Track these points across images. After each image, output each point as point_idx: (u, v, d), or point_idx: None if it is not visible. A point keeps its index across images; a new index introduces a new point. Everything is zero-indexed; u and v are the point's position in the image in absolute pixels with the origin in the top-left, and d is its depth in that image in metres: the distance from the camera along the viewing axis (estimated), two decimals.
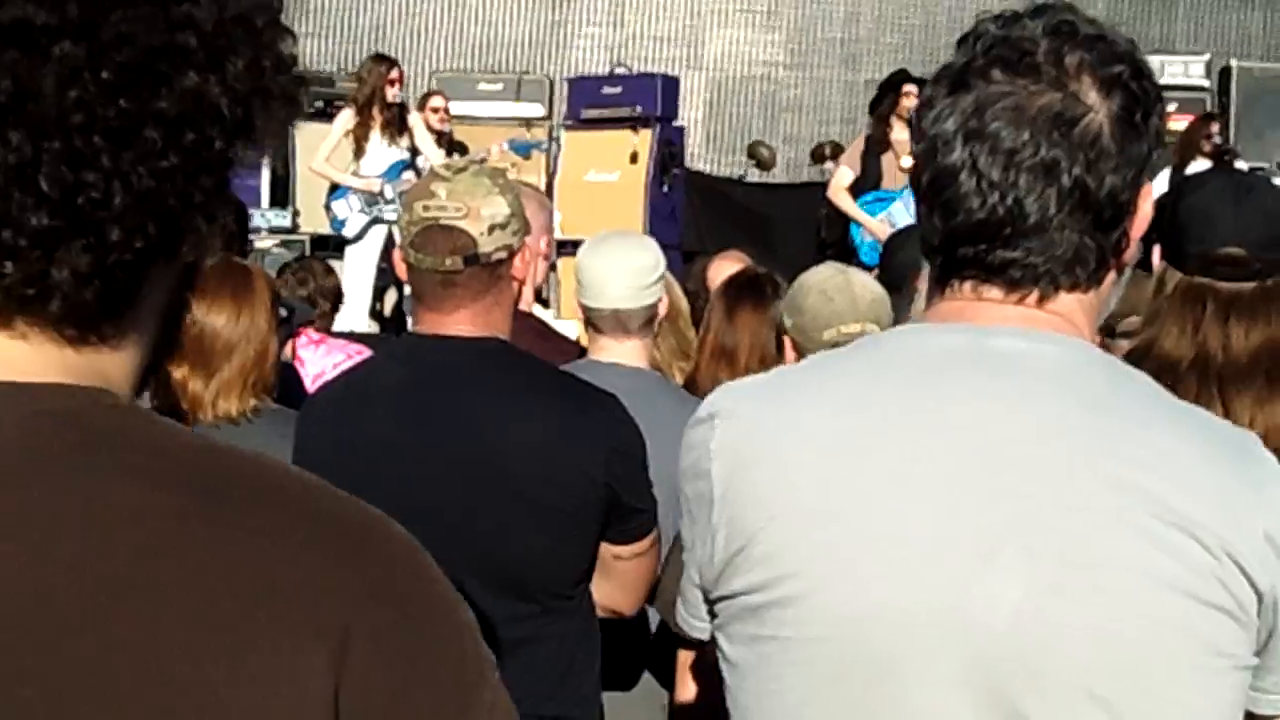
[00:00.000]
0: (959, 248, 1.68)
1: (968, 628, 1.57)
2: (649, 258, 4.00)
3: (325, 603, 1.01)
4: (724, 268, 5.67)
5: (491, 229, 3.02)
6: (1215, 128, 11.19)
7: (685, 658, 3.13)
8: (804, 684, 1.65)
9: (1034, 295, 1.67)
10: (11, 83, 0.99)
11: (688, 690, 3.17)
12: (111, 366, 1.08)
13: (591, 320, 3.95)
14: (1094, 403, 1.62)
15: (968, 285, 1.69)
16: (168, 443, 1.06)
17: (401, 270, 3.12)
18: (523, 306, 3.97)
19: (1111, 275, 1.70)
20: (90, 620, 0.98)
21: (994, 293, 1.68)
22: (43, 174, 1.00)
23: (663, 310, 4.01)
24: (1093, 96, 1.64)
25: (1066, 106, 1.63)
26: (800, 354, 3.53)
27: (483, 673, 1.08)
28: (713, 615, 1.76)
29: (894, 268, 4.67)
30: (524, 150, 11.92)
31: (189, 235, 1.08)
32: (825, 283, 3.55)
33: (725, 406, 1.74)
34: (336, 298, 6.87)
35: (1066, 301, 1.68)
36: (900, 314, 4.11)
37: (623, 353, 3.91)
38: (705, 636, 1.81)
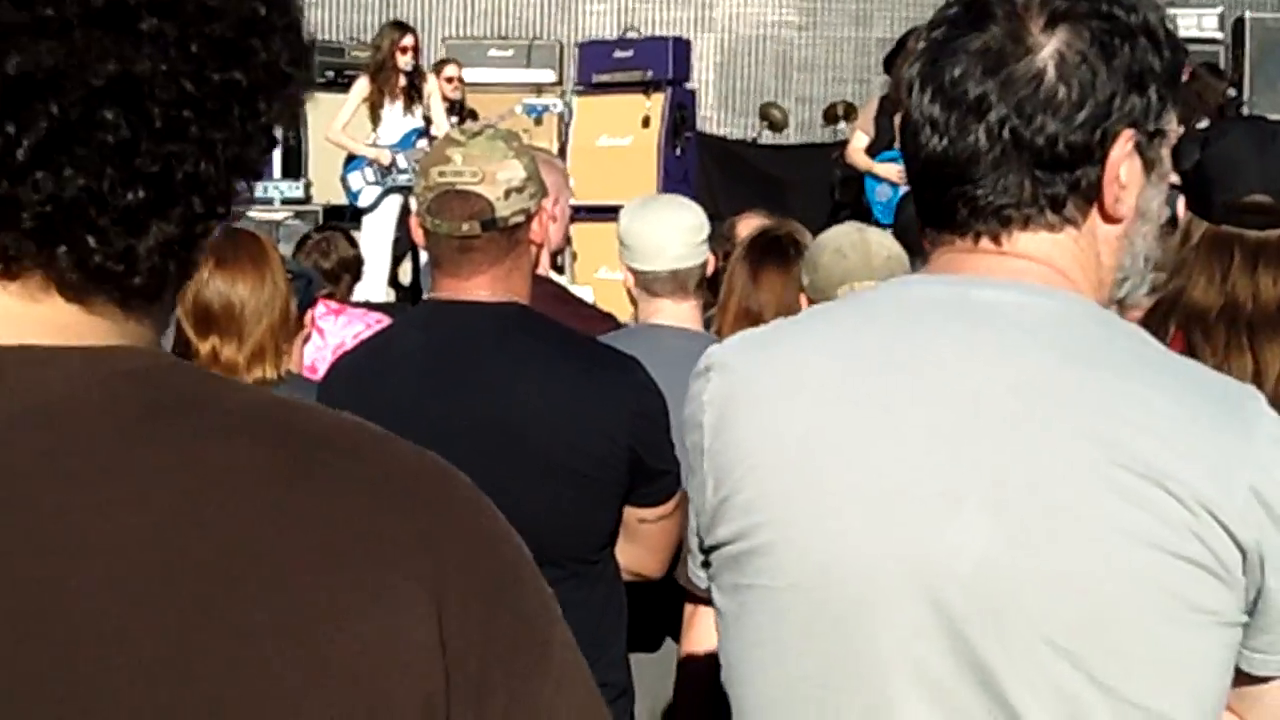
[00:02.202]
0: (921, 192, 1.68)
1: (933, 576, 1.55)
2: (698, 216, 4.06)
3: (418, 547, 1.04)
4: (751, 225, 5.67)
5: (508, 193, 3.01)
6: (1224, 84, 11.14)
7: (690, 612, 3.14)
8: (780, 633, 1.64)
9: (990, 234, 1.64)
10: (116, 64, 1.01)
11: (691, 644, 3.18)
12: (154, 333, 1.11)
13: (646, 284, 3.96)
14: (1075, 355, 1.59)
15: (932, 231, 1.69)
16: (240, 398, 1.08)
17: (419, 236, 3.11)
18: (540, 271, 3.96)
19: (1096, 222, 1.65)
20: (226, 582, 1.00)
21: (952, 237, 1.66)
22: (141, 151, 1.02)
23: (709, 270, 4.03)
24: (1036, 35, 1.61)
25: (1004, 44, 1.61)
26: None
27: (552, 609, 1.12)
28: (705, 566, 1.76)
29: (905, 224, 4.68)
30: (537, 113, 11.89)
31: (232, 204, 1.12)
32: (840, 239, 3.56)
33: (720, 359, 1.74)
34: (358, 269, 6.88)
35: (1037, 243, 1.64)
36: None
37: (680, 314, 3.95)
38: (705, 587, 1.80)
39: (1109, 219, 1.65)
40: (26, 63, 0.99)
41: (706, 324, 4.84)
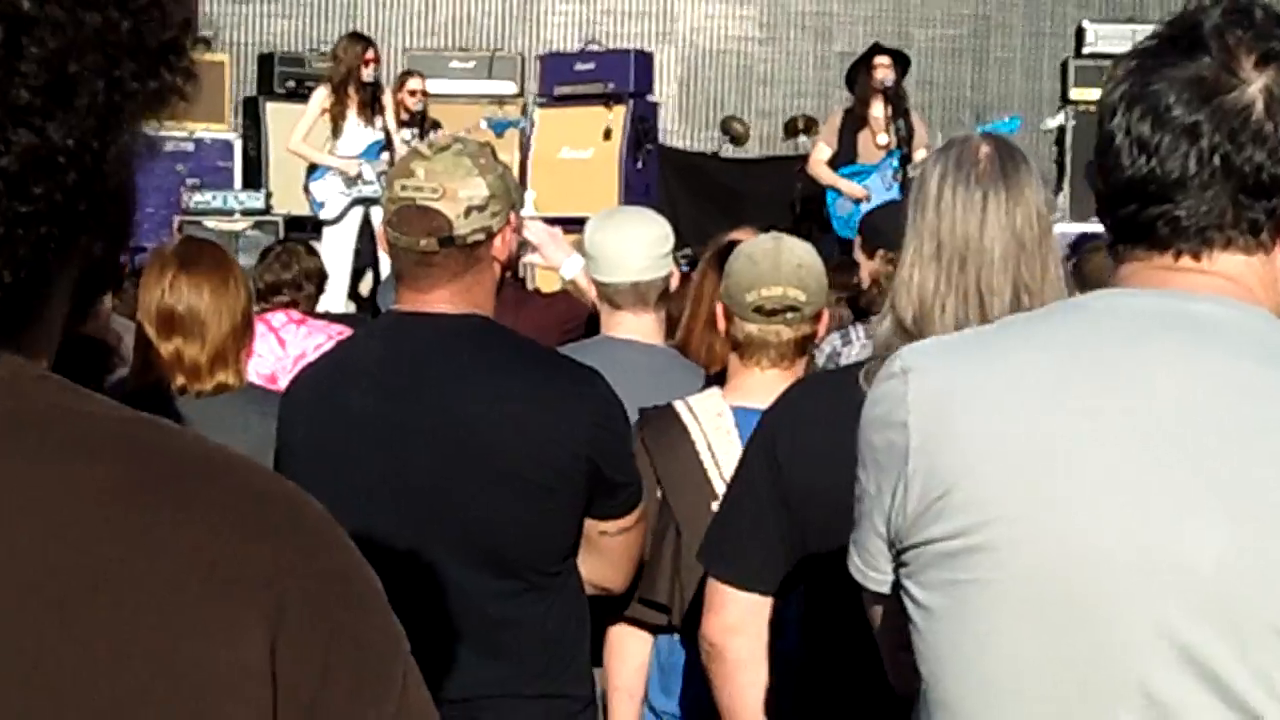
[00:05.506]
0: (1118, 209, 1.78)
1: (1172, 572, 1.65)
2: (662, 229, 4.09)
3: (259, 576, 1.04)
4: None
5: (468, 211, 3.00)
6: None
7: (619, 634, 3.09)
8: (1006, 626, 1.72)
9: (1191, 252, 1.75)
10: None
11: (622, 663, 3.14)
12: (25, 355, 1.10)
13: (609, 295, 3.99)
14: None
15: (1125, 247, 1.79)
16: (101, 413, 1.08)
17: (384, 246, 3.13)
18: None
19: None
20: (69, 599, 1.01)
21: (1150, 253, 1.77)
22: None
23: (674, 284, 4.05)
24: (1248, 71, 1.73)
25: (1218, 77, 1.72)
26: (728, 317, 3.55)
27: (399, 642, 1.12)
28: (900, 565, 1.83)
29: (868, 236, 4.70)
30: (501, 128, 11.88)
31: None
32: (755, 248, 3.60)
33: (917, 363, 1.82)
34: (321, 279, 6.88)
35: (1233, 264, 1.76)
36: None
37: (640, 328, 3.97)
38: (885, 589, 1.88)
39: None
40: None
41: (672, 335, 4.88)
